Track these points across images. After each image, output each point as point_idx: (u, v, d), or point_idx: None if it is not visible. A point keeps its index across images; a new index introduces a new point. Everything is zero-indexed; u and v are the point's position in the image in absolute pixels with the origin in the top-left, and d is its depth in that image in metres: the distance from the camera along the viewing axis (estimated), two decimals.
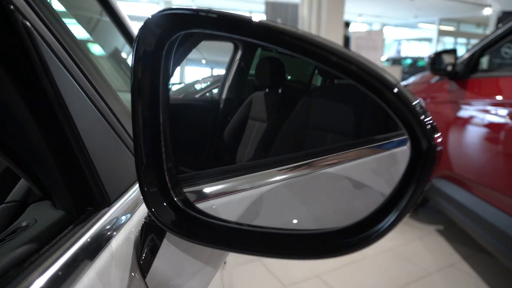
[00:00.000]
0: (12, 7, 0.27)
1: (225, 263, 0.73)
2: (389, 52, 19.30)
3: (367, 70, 0.27)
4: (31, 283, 0.22)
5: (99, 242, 0.30)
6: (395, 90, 0.26)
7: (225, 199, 0.33)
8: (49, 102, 0.30)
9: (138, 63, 0.29)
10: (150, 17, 0.29)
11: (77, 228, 0.30)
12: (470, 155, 2.26)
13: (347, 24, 5.49)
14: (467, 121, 2.31)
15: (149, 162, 0.30)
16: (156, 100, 0.30)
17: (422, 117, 0.26)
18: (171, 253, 0.33)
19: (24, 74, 0.28)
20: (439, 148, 0.26)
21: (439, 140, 0.26)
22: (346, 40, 4.97)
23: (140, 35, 0.28)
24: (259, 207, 0.31)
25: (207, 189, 0.34)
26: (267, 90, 0.57)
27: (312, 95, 0.55)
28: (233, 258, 2.29)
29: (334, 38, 5.26)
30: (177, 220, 0.31)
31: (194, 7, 0.29)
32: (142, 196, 0.30)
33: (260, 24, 0.28)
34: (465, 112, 2.34)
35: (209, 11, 0.28)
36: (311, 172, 0.35)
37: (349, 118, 0.44)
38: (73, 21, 0.61)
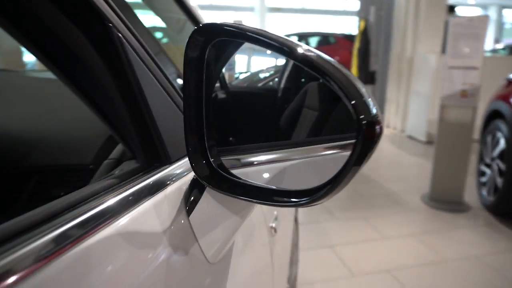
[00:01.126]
0: (110, 24, 0.39)
1: (275, 231, 0.82)
2: (508, 39, 16.77)
3: (341, 79, 0.34)
4: (113, 198, 0.36)
5: (158, 186, 0.42)
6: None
7: (251, 168, 0.43)
8: (132, 91, 0.42)
9: (188, 64, 0.40)
10: (195, 28, 0.39)
11: (145, 174, 0.43)
12: None
13: (451, 8, 4.99)
14: None
15: (193, 130, 0.41)
16: (200, 90, 0.41)
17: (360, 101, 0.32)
18: (209, 202, 0.44)
19: (118, 71, 0.41)
20: (376, 127, 0.32)
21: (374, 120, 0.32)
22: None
23: (188, 42, 0.39)
24: (271, 174, 0.41)
25: (239, 159, 0.44)
26: (320, 80, 0.63)
27: None
28: (305, 242, 2.38)
29: (433, 24, 4.84)
30: (210, 175, 0.42)
31: (223, 22, 0.38)
32: (187, 153, 0.41)
33: (265, 36, 0.37)
34: None
35: (230, 25, 0.38)
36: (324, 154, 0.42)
37: None
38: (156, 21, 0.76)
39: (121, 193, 0.37)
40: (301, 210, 2.95)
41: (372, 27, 5.35)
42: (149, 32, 0.49)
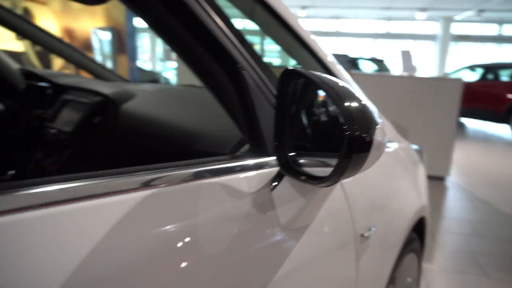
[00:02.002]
0: (239, 65, 0.64)
1: (366, 240, 0.92)
2: None
3: (338, 92, 0.50)
4: (227, 165, 0.61)
5: (257, 167, 0.64)
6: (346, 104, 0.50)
7: (316, 168, 0.61)
8: (249, 108, 0.65)
9: (278, 92, 0.60)
10: (283, 70, 0.59)
11: (251, 159, 0.65)
12: None
13: None
14: None
15: (279, 134, 0.61)
16: (285, 109, 0.61)
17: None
18: (286, 185, 0.63)
19: (242, 94, 0.65)
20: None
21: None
22: None
23: (279, 78, 0.60)
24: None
25: (309, 161, 0.62)
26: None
27: None
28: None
29: None
30: (285, 164, 0.61)
31: (299, 68, 0.57)
32: (274, 147, 0.62)
33: (316, 81, 0.54)
34: None
35: (301, 72, 0.56)
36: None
37: None
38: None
39: (233, 163, 0.62)
40: (444, 255, 2.67)
41: None
42: (264, 62, 0.74)
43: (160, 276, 0.48)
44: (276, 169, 0.67)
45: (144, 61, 13.77)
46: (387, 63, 9.88)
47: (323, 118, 0.67)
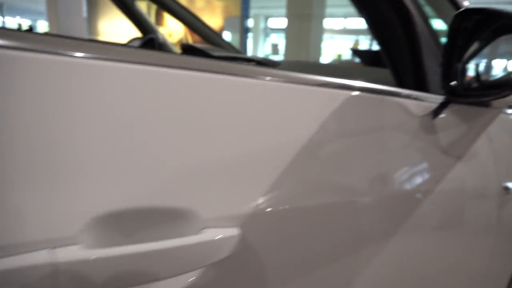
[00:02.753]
0: (410, 13, 0.76)
1: (508, 194, 0.96)
2: None
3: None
4: (398, 89, 0.74)
5: (421, 99, 0.76)
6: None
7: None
8: (415, 46, 0.78)
9: (452, 28, 0.70)
10: (460, 10, 0.69)
11: (416, 92, 0.77)
12: None
13: None
14: None
15: (446, 67, 0.71)
16: (454, 46, 0.70)
17: None
18: (447, 115, 0.72)
19: (410, 37, 0.77)
20: None
21: None
22: None
23: (455, 16, 0.68)
24: None
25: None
26: None
27: None
28: None
29: None
30: (450, 91, 0.71)
31: (475, 7, 0.67)
32: (441, 78, 0.72)
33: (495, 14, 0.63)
34: None
35: (476, 9, 0.66)
36: None
37: None
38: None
39: (400, 90, 0.74)
40: None
41: None
42: (424, 12, 0.84)
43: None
44: (435, 105, 0.77)
45: None
46: None
47: (486, 59, 0.75)
